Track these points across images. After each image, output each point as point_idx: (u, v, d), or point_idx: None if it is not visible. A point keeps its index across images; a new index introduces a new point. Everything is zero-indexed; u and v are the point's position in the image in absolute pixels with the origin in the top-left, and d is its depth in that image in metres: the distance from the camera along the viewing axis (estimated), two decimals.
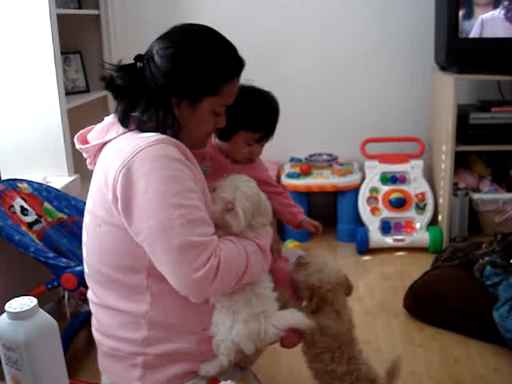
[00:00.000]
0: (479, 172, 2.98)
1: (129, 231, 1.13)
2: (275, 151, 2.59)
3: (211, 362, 1.22)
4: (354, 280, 1.46)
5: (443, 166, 2.84)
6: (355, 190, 3.00)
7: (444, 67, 2.86)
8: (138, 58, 1.23)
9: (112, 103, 2.75)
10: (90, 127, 1.30)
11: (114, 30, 2.94)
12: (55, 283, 1.78)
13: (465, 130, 2.76)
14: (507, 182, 2.96)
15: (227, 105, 1.26)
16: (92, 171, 1.25)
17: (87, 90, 2.85)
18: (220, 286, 1.11)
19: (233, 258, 1.13)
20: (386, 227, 2.94)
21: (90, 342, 1.36)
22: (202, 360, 1.23)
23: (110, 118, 1.25)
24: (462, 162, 2.95)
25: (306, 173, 3.04)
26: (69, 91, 2.70)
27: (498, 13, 2.66)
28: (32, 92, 2.25)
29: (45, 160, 2.33)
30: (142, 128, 1.18)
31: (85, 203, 1.26)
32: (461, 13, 2.66)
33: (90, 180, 1.24)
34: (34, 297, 0.91)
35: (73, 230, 2.00)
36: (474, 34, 2.69)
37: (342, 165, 3.14)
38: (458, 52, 2.71)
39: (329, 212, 3.22)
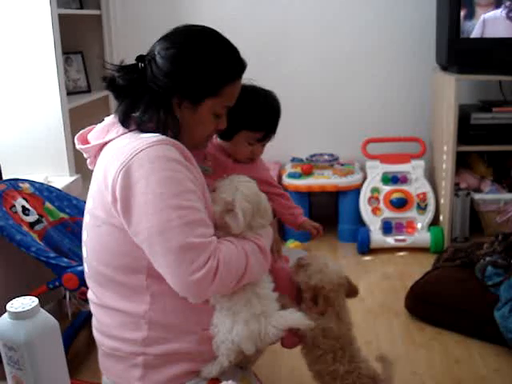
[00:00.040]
0: (480, 172, 2.98)
1: (128, 232, 1.13)
2: (276, 151, 2.61)
3: (212, 364, 1.23)
4: (354, 280, 1.46)
5: (444, 166, 2.84)
6: (356, 190, 3.00)
7: (445, 67, 2.86)
8: (140, 58, 1.23)
9: (113, 103, 2.73)
10: (91, 127, 1.31)
11: (115, 30, 2.95)
12: (56, 283, 1.79)
13: (466, 130, 2.76)
14: (508, 182, 2.96)
15: (228, 106, 1.26)
16: (93, 171, 1.25)
17: (88, 90, 2.85)
18: (219, 286, 1.11)
19: (232, 258, 1.13)
20: (387, 227, 2.93)
21: (91, 342, 1.36)
22: (202, 360, 1.23)
23: (111, 119, 1.25)
24: (463, 162, 2.95)
25: (307, 173, 3.04)
26: (70, 91, 2.70)
27: (500, 12, 2.65)
28: (33, 92, 2.26)
29: (46, 160, 2.33)
30: (142, 128, 1.18)
31: (86, 203, 1.26)
32: (462, 13, 2.66)
33: (91, 180, 1.24)
34: (36, 297, 0.92)
35: (74, 230, 2.00)
36: (475, 33, 2.69)
37: (343, 165, 3.14)
38: (459, 52, 2.71)
39: (330, 212, 3.22)
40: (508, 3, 2.64)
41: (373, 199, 2.97)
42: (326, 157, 3.20)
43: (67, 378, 0.95)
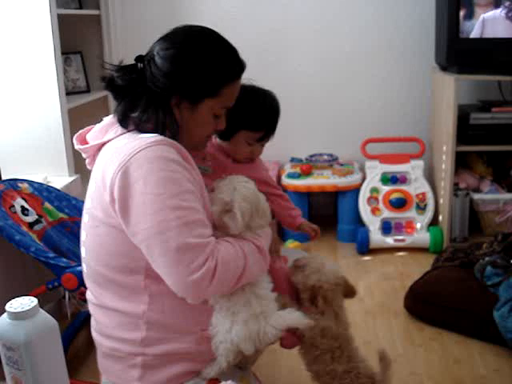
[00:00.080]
0: (480, 172, 2.98)
1: (126, 232, 1.13)
2: (276, 151, 2.61)
3: (211, 365, 1.22)
4: (354, 280, 1.47)
5: (444, 166, 2.84)
6: (356, 191, 3.00)
7: (445, 67, 2.86)
8: (139, 58, 1.23)
9: (112, 103, 2.73)
10: (89, 127, 1.30)
11: (114, 30, 2.95)
12: (56, 283, 1.78)
13: (465, 130, 2.76)
14: (508, 183, 2.96)
15: (227, 107, 1.25)
16: (92, 171, 1.25)
17: (88, 90, 2.85)
18: (218, 287, 1.11)
19: (230, 259, 1.13)
20: (386, 227, 2.94)
21: (91, 342, 1.36)
22: (201, 360, 1.23)
23: (110, 119, 1.25)
24: (462, 162, 2.95)
25: (306, 173, 3.04)
26: (69, 91, 2.71)
27: (500, 12, 2.66)
28: (33, 92, 2.26)
29: (45, 160, 2.33)
30: (141, 129, 1.18)
31: (84, 203, 1.26)
32: (461, 13, 2.66)
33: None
34: (35, 297, 0.91)
35: (73, 230, 2.00)
36: (474, 34, 2.69)
37: (342, 165, 3.14)
38: (458, 52, 2.71)
39: (329, 212, 3.22)
40: (507, 3, 2.64)
41: (372, 199, 2.97)
42: (326, 157, 3.20)
43: (66, 378, 0.95)
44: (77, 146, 1.29)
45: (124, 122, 1.19)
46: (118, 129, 1.20)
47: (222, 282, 1.11)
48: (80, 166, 2.17)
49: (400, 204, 2.93)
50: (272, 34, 3.14)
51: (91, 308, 1.29)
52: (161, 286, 1.14)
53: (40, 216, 1.93)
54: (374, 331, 2.18)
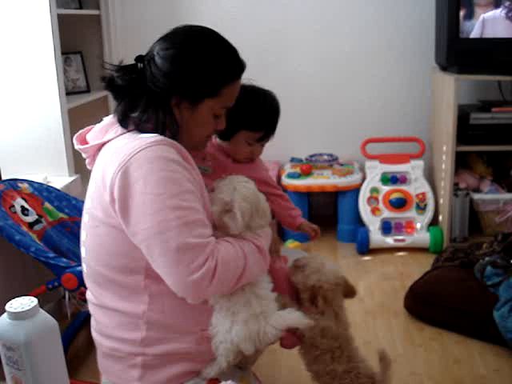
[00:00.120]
0: (480, 172, 2.98)
1: (126, 232, 1.13)
2: (276, 151, 2.60)
3: (211, 365, 1.22)
4: (354, 280, 1.47)
5: (444, 166, 2.84)
6: (356, 191, 3.00)
7: (445, 67, 2.86)
8: (139, 58, 1.23)
9: (112, 103, 2.73)
10: (89, 127, 1.30)
11: (114, 30, 2.95)
12: (56, 283, 1.78)
13: (465, 130, 2.76)
14: (508, 183, 2.96)
15: (227, 107, 1.25)
16: (92, 171, 1.25)
17: (88, 90, 2.85)
18: (218, 287, 1.11)
19: (230, 259, 1.13)
20: (386, 227, 2.94)
21: (91, 342, 1.36)
22: (201, 360, 1.23)
23: (110, 119, 1.25)
24: (462, 162, 2.95)
25: (306, 173, 3.04)
26: (69, 91, 2.71)
27: (500, 12, 2.66)
28: (32, 92, 2.26)
29: (45, 160, 2.33)
30: (141, 129, 1.18)
31: (84, 203, 1.26)
32: (461, 13, 2.66)
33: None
34: (35, 297, 0.91)
35: (73, 230, 2.00)
36: (474, 34, 2.69)
37: (342, 165, 3.14)
38: (458, 52, 2.71)
39: (329, 212, 3.22)
40: (507, 3, 2.64)
41: (372, 199, 2.97)
42: (326, 157, 3.20)
43: (66, 378, 0.95)
44: (77, 146, 1.29)
45: (124, 122, 1.19)
46: (118, 129, 1.20)
47: (222, 281, 1.11)
48: (80, 166, 2.17)
49: (400, 204, 2.93)
50: (272, 34, 3.14)
51: (91, 308, 1.29)
52: (161, 286, 1.14)
53: (40, 216, 1.93)
54: (374, 331, 2.18)
